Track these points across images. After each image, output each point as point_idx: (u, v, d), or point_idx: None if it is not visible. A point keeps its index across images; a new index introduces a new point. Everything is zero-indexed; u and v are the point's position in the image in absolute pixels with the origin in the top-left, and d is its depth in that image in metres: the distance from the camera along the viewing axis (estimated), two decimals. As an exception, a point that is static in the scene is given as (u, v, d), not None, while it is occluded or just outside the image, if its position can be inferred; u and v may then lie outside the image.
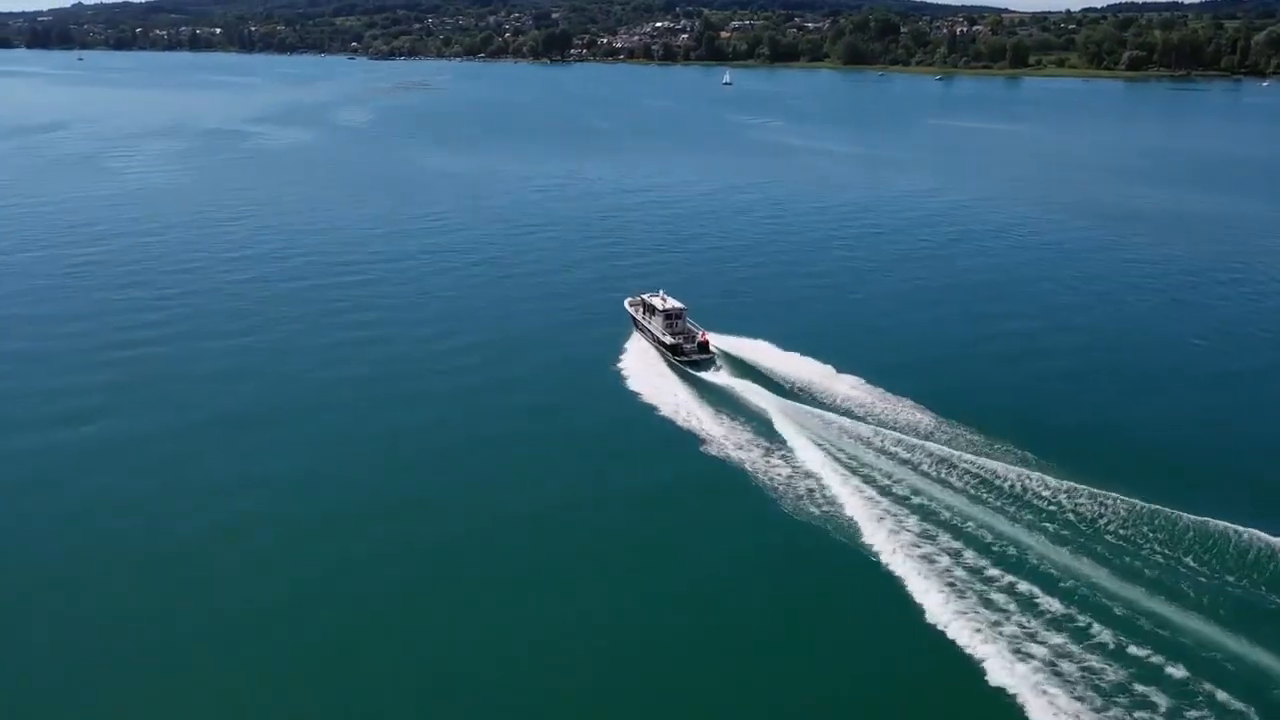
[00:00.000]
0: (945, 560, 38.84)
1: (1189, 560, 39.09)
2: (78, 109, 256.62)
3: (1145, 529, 40.94)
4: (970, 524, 41.52)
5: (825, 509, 42.81)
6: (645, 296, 65.49)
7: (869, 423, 51.19)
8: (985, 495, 44.06)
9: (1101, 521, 41.81)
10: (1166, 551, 39.69)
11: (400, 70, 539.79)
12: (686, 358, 60.03)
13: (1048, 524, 41.86)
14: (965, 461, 46.81)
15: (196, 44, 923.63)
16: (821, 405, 53.63)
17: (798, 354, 60.22)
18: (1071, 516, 42.36)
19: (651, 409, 54.64)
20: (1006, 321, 73.21)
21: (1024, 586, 37.27)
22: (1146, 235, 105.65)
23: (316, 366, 62.23)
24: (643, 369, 60.52)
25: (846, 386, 56.17)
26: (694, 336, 61.57)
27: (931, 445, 48.46)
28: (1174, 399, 58.54)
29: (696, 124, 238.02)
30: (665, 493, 46.08)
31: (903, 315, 74.56)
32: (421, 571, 39.86)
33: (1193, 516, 41.20)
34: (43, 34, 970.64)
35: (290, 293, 79.43)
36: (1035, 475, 45.31)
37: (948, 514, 42.34)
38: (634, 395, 56.83)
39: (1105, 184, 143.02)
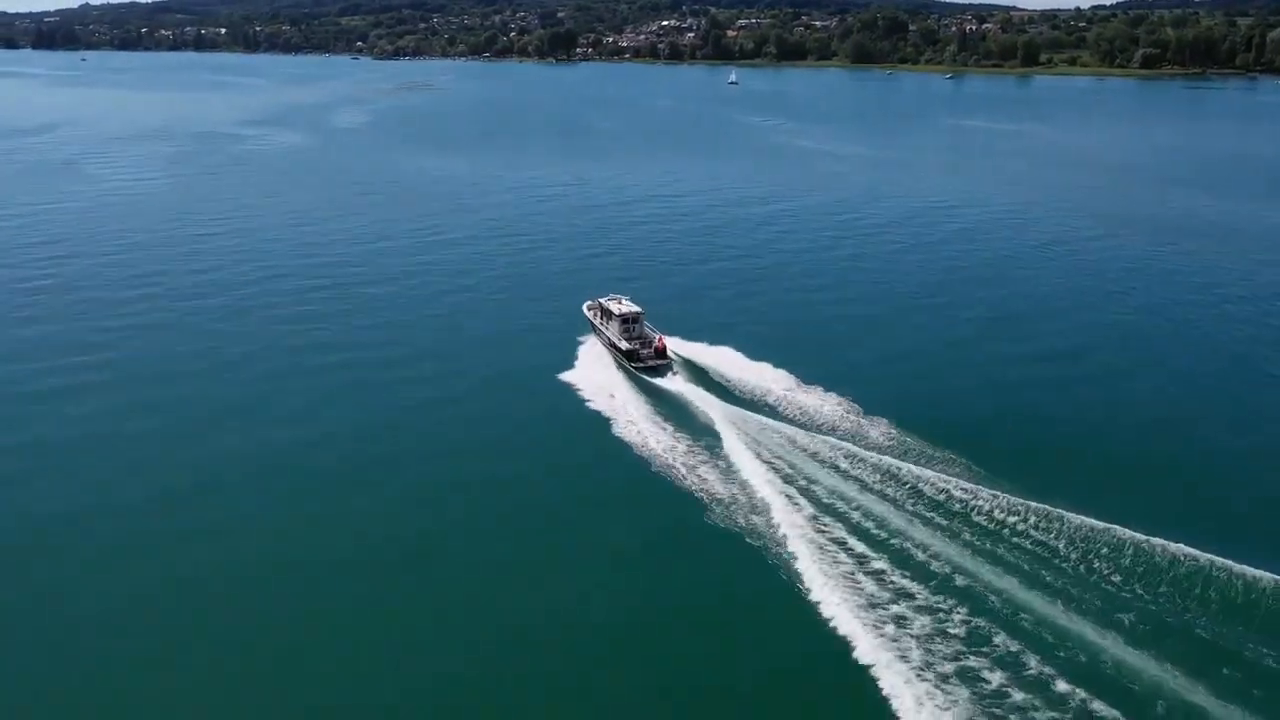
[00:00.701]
0: (867, 582, 37.77)
1: (1106, 572, 38.70)
2: (69, 111, 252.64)
3: (1094, 548, 39.84)
4: (903, 542, 40.42)
5: (748, 520, 41.82)
6: (603, 300, 64.01)
7: (820, 434, 49.76)
8: (930, 515, 42.67)
9: (1053, 543, 40.44)
10: (1092, 566, 39.16)
11: (403, 70, 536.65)
12: (642, 363, 58.52)
13: (990, 544, 40.46)
14: (914, 478, 45.36)
15: (201, 44, 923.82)
16: (775, 415, 52.27)
17: (765, 363, 58.60)
18: (1020, 538, 40.94)
19: (592, 415, 53.42)
20: (999, 343, 69.22)
21: (941, 602, 36.62)
22: (1188, 246, 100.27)
23: (263, 374, 61.29)
24: (593, 375, 59.04)
25: (807, 397, 54.57)
26: (651, 341, 60.07)
27: (879, 458, 47.02)
28: (1172, 427, 55.22)
29: (699, 125, 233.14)
30: (586, 498, 45.67)
31: (888, 328, 71.53)
32: (342, 578, 39.75)
33: (1136, 534, 40.02)
34: (48, 35, 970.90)
35: (247, 298, 78.24)
36: (992, 497, 43.37)
37: (882, 532, 41.08)
38: (577, 401, 55.47)
39: (1131, 189, 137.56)
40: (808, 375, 57.01)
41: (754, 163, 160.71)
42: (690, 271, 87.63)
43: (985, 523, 42.10)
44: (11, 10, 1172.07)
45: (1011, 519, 41.92)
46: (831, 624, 35.49)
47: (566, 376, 58.99)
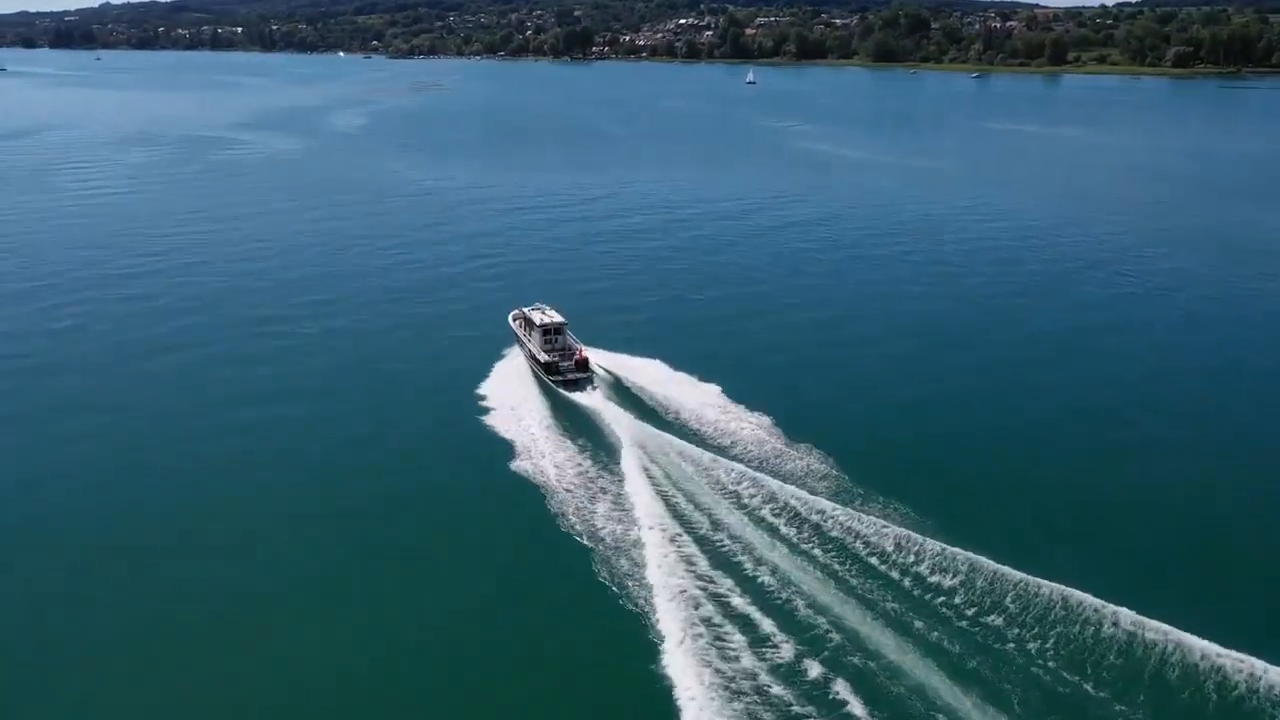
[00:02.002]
0: (731, 640, 34.34)
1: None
2: (61, 113, 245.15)
3: (1028, 604, 35.84)
4: (788, 594, 36.93)
5: (618, 564, 38.94)
6: (527, 310, 61.87)
7: (730, 459, 46.96)
8: (834, 563, 38.96)
9: (981, 599, 36.39)
10: (1013, 620, 35.50)
11: (415, 69, 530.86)
12: (561, 377, 56.06)
13: (900, 602, 36.55)
14: (809, 508, 42.34)
15: (218, 43, 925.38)
16: (685, 434, 50.05)
17: (691, 377, 56.56)
18: (945, 594, 36.77)
19: (488, 435, 50.86)
20: (966, 375, 62.26)
21: (819, 678, 32.66)
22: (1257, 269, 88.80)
23: (178, 388, 59.09)
24: (504, 390, 56.60)
25: (723, 415, 52.20)
26: (572, 354, 57.57)
27: (774, 483, 44.36)
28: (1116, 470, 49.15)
29: (711, 129, 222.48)
30: (450, 528, 43.32)
31: (850, 349, 66.44)
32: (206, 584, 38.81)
33: (1089, 597, 35.57)
34: (66, 34, 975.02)
35: (162, 301, 76.42)
36: (906, 539, 39.51)
37: (765, 579, 37.83)
38: (477, 419, 52.74)
39: (1187, 200, 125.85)
40: (739, 394, 53.91)
41: (765, 170, 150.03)
42: (673, 281, 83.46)
43: (898, 575, 37.92)
44: (34, 10, 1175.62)
45: (936, 574, 37.71)
46: (673, 693, 32.10)
47: (480, 389, 56.35)
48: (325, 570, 39.90)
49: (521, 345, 61.09)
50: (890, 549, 39.20)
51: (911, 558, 38.66)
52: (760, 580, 37.39)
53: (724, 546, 39.60)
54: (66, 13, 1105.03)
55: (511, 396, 55.35)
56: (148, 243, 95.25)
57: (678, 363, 58.31)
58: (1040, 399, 57.75)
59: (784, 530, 41.01)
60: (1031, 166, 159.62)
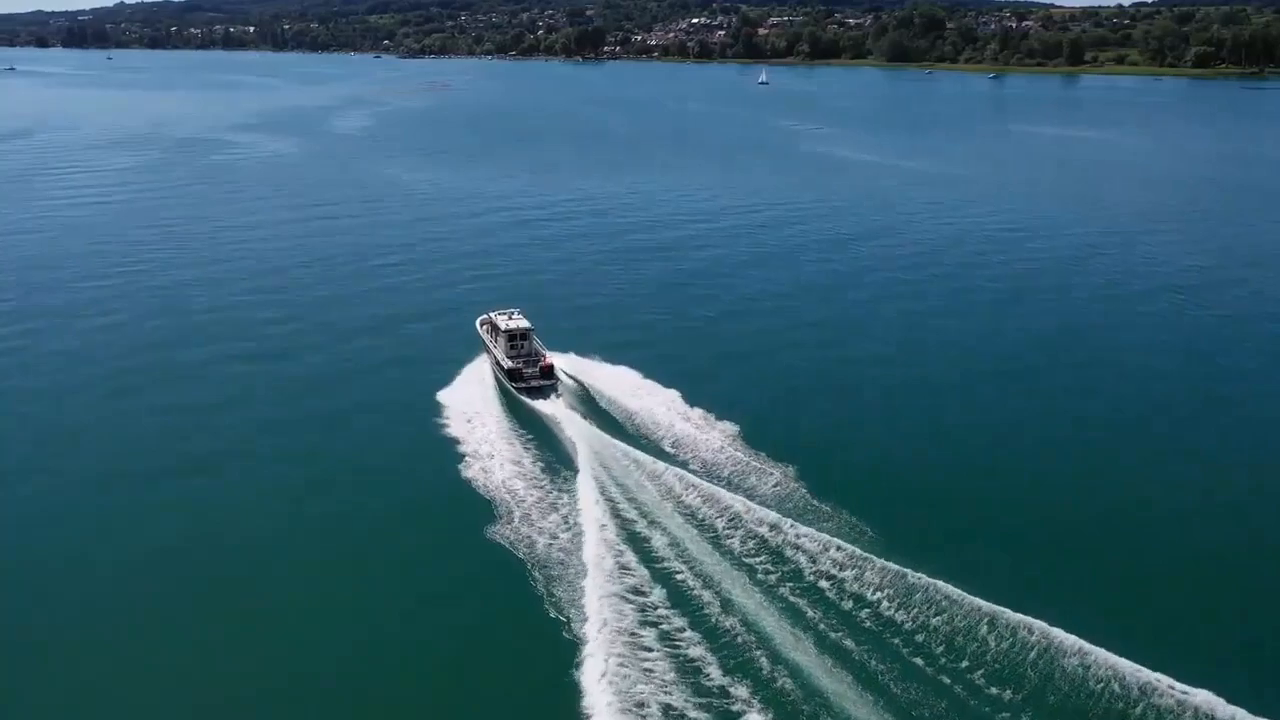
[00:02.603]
0: (651, 639, 33.69)
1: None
2: (58, 114, 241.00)
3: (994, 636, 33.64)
4: (714, 601, 35.96)
5: (558, 559, 38.41)
6: (494, 315, 60.26)
7: (685, 468, 45.49)
8: (761, 567, 37.96)
9: (942, 629, 34.22)
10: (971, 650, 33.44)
11: (425, 69, 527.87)
12: (525, 384, 54.66)
13: (817, 615, 35.30)
14: (760, 521, 40.53)
15: (230, 42, 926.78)
16: (644, 444, 48.44)
17: (659, 384, 54.69)
18: (900, 621, 34.89)
19: (442, 443, 49.25)
20: (956, 397, 58.18)
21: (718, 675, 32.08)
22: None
23: (130, 387, 58.22)
24: (466, 395, 55.11)
25: (686, 423, 50.48)
26: (537, 360, 56.19)
27: (732, 498, 42.43)
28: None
29: (722, 129, 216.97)
30: (396, 523, 42.78)
31: (837, 364, 63.07)
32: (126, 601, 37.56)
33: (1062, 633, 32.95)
34: (79, 33, 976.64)
35: (124, 304, 74.73)
36: (850, 553, 37.92)
37: (693, 582, 36.96)
38: (435, 427, 51.11)
39: (1231, 211, 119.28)
40: (710, 403, 51.72)
41: (772, 174, 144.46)
42: (646, 290, 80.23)
43: (841, 596, 36.10)
44: (49, 9, 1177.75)
45: (884, 598, 35.77)
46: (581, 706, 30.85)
47: (440, 395, 54.77)
48: (256, 572, 39.10)
49: (488, 351, 59.56)
50: (839, 569, 37.39)
51: (856, 577, 36.83)
52: (699, 599, 35.80)
53: (667, 563, 37.91)
54: (81, 12, 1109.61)
55: (471, 403, 53.92)
56: (117, 248, 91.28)
57: (650, 371, 56.38)
58: (1026, 418, 54.62)
59: (732, 546, 39.36)
60: (1054, 171, 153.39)
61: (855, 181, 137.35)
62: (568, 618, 34.93)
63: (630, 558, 38.06)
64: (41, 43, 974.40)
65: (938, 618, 34.42)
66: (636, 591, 35.97)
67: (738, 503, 41.95)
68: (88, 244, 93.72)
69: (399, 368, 61.12)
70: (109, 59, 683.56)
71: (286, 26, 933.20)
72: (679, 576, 37.18)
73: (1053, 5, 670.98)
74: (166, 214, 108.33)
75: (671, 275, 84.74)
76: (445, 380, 56.80)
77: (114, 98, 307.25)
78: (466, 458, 47.12)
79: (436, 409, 53.13)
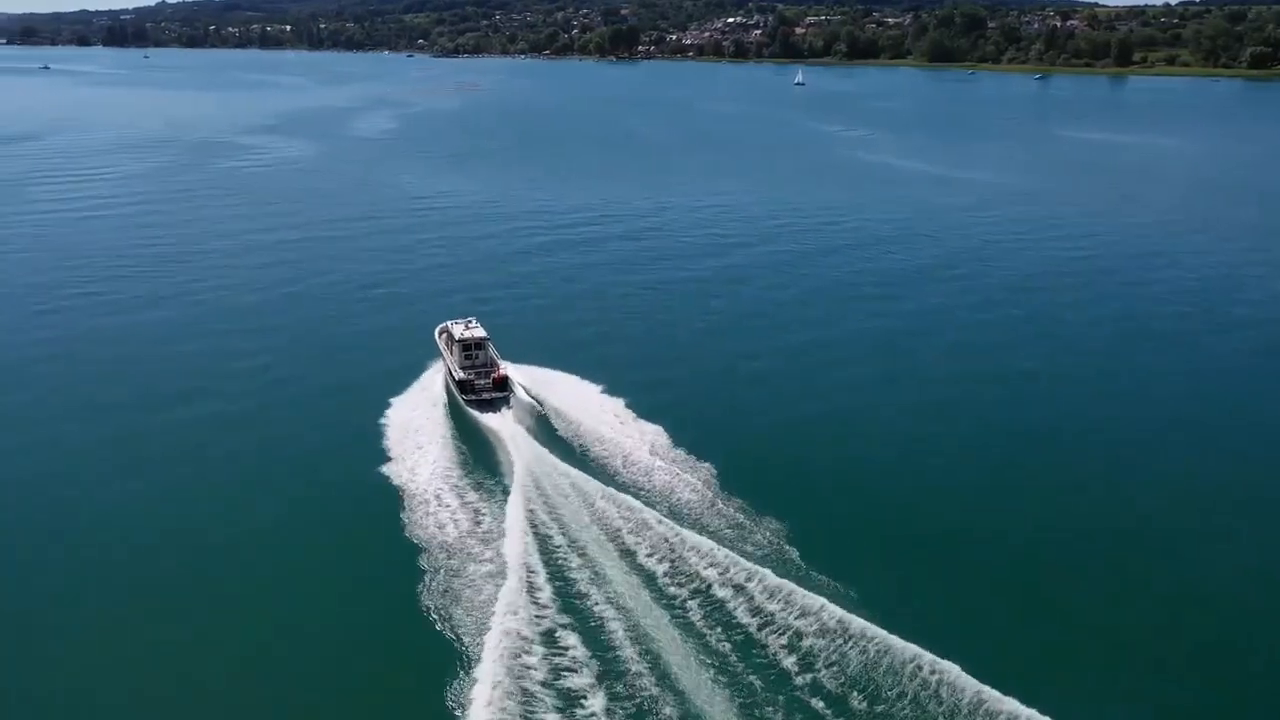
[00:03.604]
0: (544, 671, 31.77)
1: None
2: (76, 115, 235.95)
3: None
4: (624, 633, 33.65)
5: (470, 582, 36.36)
6: (451, 324, 58.42)
7: (626, 491, 43.28)
8: (681, 595, 35.82)
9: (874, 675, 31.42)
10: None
11: (456, 69, 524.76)
12: (475, 396, 52.72)
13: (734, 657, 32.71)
14: (688, 548, 38.48)
15: (267, 41, 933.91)
16: (589, 466, 46.22)
17: (632, 412, 51.67)
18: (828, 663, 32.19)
19: (378, 452, 47.49)
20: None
21: None
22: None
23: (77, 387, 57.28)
24: (413, 406, 53.17)
25: (634, 441, 48.29)
26: (491, 371, 54.15)
27: (670, 529, 39.83)
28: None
29: (756, 133, 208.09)
30: (309, 533, 41.58)
31: (821, 393, 57.65)
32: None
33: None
34: (120, 32, 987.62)
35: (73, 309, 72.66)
36: (787, 594, 35.19)
37: (608, 612, 34.67)
38: (372, 435, 49.34)
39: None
40: (680, 435, 48.68)
41: (806, 183, 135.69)
42: (642, 306, 75.46)
43: (776, 639, 33.70)
44: (94, 8, 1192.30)
45: (824, 641, 33.43)
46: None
47: (389, 404, 52.82)
48: (155, 576, 38.43)
49: (444, 361, 57.32)
50: (784, 614, 34.67)
51: (786, 611, 34.47)
52: (610, 632, 33.83)
53: (583, 592, 36.02)
54: (124, 11, 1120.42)
55: (416, 415, 51.79)
56: (88, 262, 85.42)
57: (620, 389, 53.32)
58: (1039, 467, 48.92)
59: (655, 574, 37.21)
60: (1113, 181, 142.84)
61: (894, 191, 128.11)
62: (465, 633, 33.61)
63: (545, 592, 35.94)
64: (83, 41, 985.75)
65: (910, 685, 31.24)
66: (544, 620, 34.30)
67: (669, 530, 39.63)
68: (57, 258, 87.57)
69: (349, 375, 59.20)
70: (145, 58, 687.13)
71: (322, 25, 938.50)
72: (590, 602, 35.40)
73: (1097, 4, 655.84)
74: (156, 224, 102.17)
75: (678, 287, 79.78)
76: (397, 389, 54.75)
77: (138, 97, 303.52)
78: (399, 471, 45.29)
79: (380, 417, 51.15)
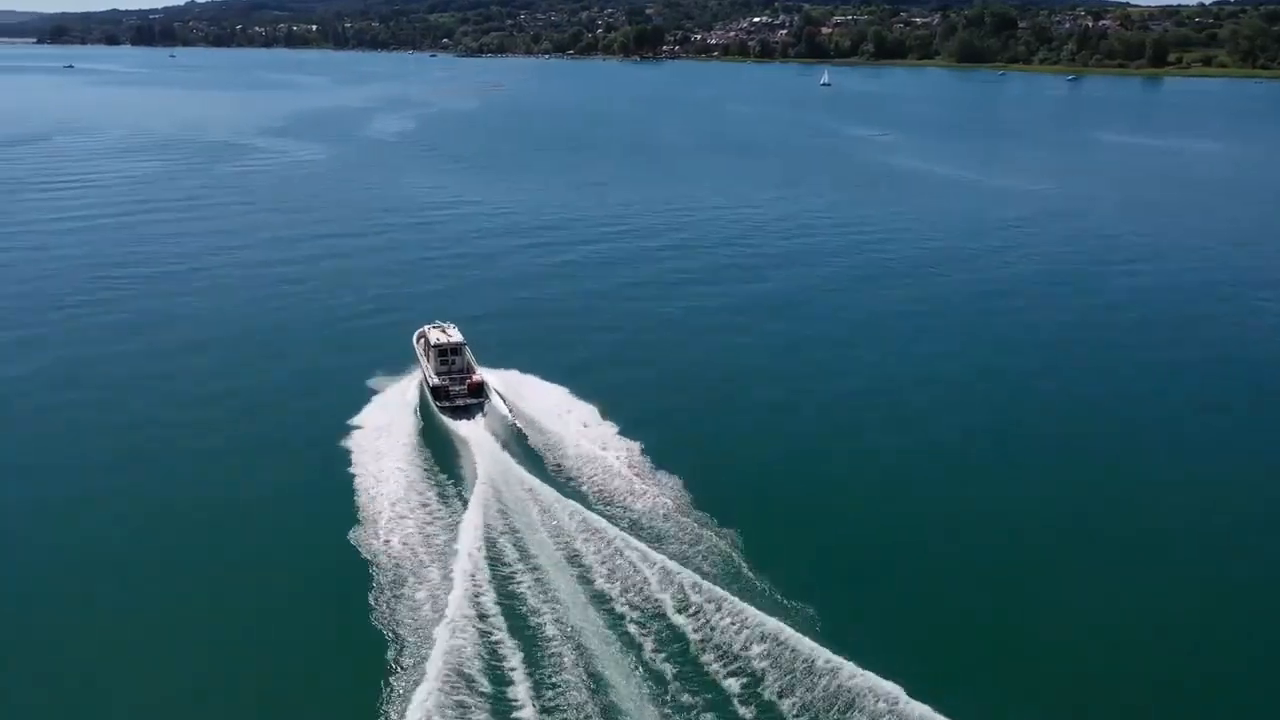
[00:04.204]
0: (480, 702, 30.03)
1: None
2: (89, 114, 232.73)
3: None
4: (570, 670, 31.44)
5: (416, 598, 34.60)
6: (428, 328, 57.16)
7: (593, 510, 40.54)
8: (633, 620, 33.63)
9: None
10: None
11: (478, 68, 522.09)
12: (449, 403, 51.14)
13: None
14: (654, 569, 35.71)
15: (293, 41, 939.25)
16: (556, 479, 44.03)
17: (610, 423, 49.50)
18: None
19: (340, 456, 46.07)
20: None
21: None
22: None
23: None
24: (384, 411, 51.89)
25: (609, 455, 46.03)
26: (466, 378, 52.73)
27: (633, 548, 37.23)
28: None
29: (779, 135, 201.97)
30: (257, 539, 39.80)
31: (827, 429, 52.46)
32: None
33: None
34: (148, 31, 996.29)
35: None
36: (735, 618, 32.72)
37: (557, 640, 32.67)
38: (337, 440, 47.82)
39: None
40: (656, 450, 45.88)
41: (829, 189, 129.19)
42: (647, 317, 71.91)
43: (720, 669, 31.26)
44: (124, 7, 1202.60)
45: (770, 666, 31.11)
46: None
47: (360, 410, 51.36)
48: (87, 583, 37.15)
49: (421, 366, 55.78)
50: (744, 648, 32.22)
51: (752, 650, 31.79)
52: (554, 654, 32.17)
53: (531, 608, 34.38)
54: (153, 10, 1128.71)
55: (385, 421, 50.14)
56: (72, 273, 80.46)
57: (601, 401, 50.73)
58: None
59: (609, 594, 35.33)
60: (1167, 192, 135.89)
61: (925, 199, 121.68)
62: (401, 664, 31.63)
63: (491, 610, 34.07)
64: (112, 40, 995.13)
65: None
66: (485, 636, 32.63)
67: (630, 548, 37.55)
68: (38, 269, 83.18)
69: (325, 381, 57.18)
70: (171, 57, 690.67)
71: (348, 25, 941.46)
72: (541, 627, 33.39)
73: (1129, 4, 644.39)
74: (150, 233, 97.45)
75: (684, 300, 75.49)
76: (370, 395, 53.20)
77: (154, 97, 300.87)
78: (358, 478, 43.67)
79: (348, 422, 49.55)
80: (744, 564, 36.56)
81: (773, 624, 32.28)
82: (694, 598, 34.28)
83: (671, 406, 53.56)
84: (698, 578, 35.08)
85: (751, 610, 32.99)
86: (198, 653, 33.11)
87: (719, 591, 34.16)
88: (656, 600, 34.41)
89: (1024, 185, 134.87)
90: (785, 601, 34.21)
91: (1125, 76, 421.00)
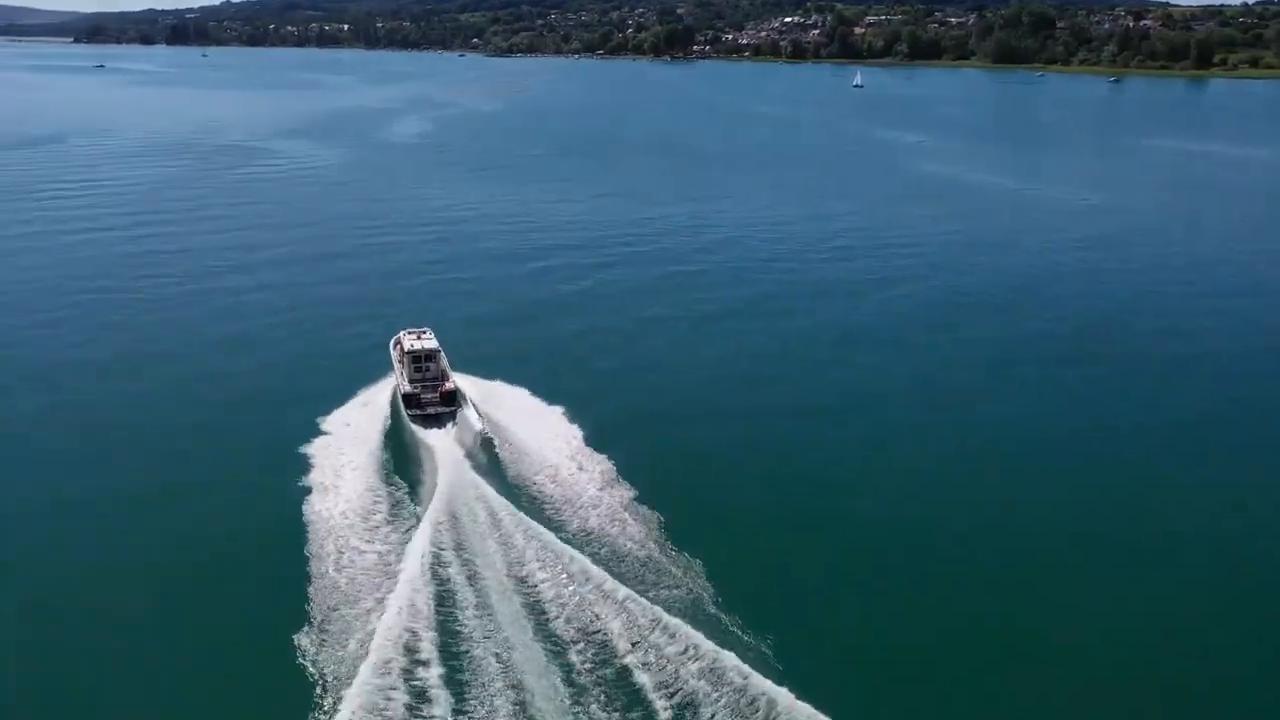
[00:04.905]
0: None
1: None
2: (108, 117, 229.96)
3: None
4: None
5: (350, 616, 33.18)
6: (403, 334, 56.34)
7: (557, 533, 37.93)
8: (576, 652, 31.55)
9: None
10: None
11: (507, 68, 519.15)
12: (420, 411, 49.65)
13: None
14: (601, 594, 33.73)
15: (325, 40, 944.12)
16: (515, 492, 41.88)
17: (575, 426, 47.97)
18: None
19: (299, 462, 44.35)
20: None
21: None
22: None
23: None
24: (349, 422, 49.93)
25: (578, 474, 43.65)
26: (438, 385, 51.41)
27: (586, 574, 34.86)
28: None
29: (810, 140, 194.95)
30: (206, 544, 39.15)
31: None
32: None
33: None
34: (182, 31, 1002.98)
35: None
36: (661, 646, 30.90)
37: (490, 674, 30.69)
38: (300, 446, 45.78)
39: None
40: (629, 469, 43.54)
41: (861, 199, 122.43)
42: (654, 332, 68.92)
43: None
44: (160, 7, 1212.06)
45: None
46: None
47: (330, 416, 50.08)
48: (39, 572, 37.39)
49: (395, 373, 54.75)
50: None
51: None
52: (486, 684, 30.05)
53: (468, 635, 32.39)
54: (189, 10, 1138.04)
55: (352, 429, 49.05)
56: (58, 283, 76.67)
57: (581, 416, 48.78)
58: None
59: (553, 620, 33.36)
60: (1221, 201, 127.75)
61: (963, 208, 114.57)
62: (325, 688, 30.17)
63: (425, 634, 32.09)
64: (147, 40, 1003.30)
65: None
66: (415, 662, 30.85)
67: (582, 572, 35.38)
68: (21, 277, 79.57)
69: (300, 387, 56.07)
70: (204, 56, 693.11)
71: (379, 25, 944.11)
72: (474, 653, 31.64)
73: (1170, 4, 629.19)
74: (147, 242, 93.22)
75: (697, 315, 72.07)
76: (341, 401, 51.59)
77: (178, 97, 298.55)
78: (314, 484, 42.54)
79: (310, 433, 48.05)
80: (709, 597, 34.14)
81: (733, 662, 29.91)
82: (645, 624, 31.86)
83: (654, 426, 50.94)
84: (648, 603, 32.79)
85: (710, 646, 30.51)
86: (99, 650, 32.81)
87: (676, 623, 31.67)
88: (602, 628, 32.17)
89: (1075, 195, 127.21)
90: (758, 646, 31.77)
91: (1168, 78, 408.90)
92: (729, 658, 30.15)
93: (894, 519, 41.92)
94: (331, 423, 49.29)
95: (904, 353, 63.98)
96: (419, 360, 52.67)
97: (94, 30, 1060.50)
